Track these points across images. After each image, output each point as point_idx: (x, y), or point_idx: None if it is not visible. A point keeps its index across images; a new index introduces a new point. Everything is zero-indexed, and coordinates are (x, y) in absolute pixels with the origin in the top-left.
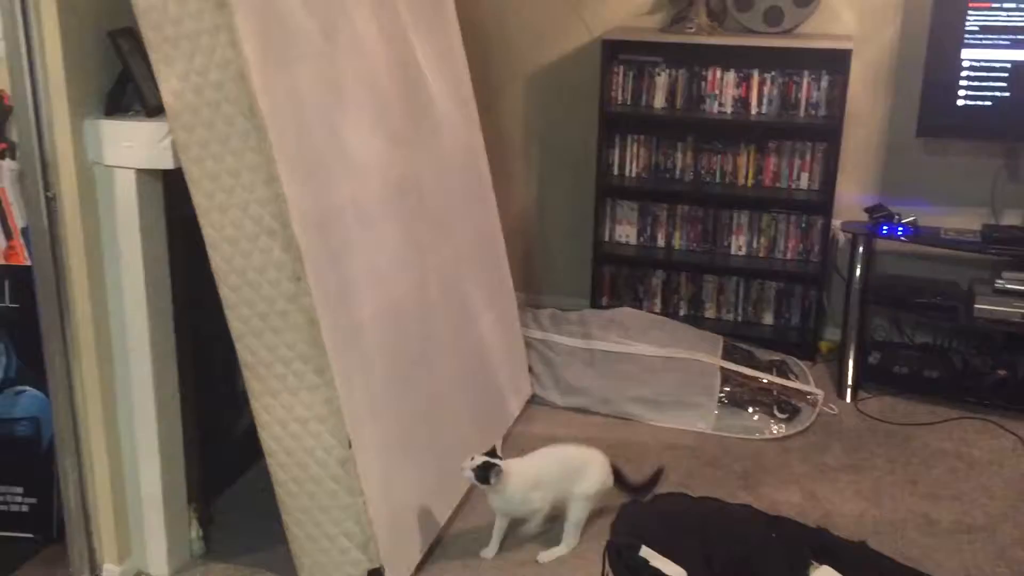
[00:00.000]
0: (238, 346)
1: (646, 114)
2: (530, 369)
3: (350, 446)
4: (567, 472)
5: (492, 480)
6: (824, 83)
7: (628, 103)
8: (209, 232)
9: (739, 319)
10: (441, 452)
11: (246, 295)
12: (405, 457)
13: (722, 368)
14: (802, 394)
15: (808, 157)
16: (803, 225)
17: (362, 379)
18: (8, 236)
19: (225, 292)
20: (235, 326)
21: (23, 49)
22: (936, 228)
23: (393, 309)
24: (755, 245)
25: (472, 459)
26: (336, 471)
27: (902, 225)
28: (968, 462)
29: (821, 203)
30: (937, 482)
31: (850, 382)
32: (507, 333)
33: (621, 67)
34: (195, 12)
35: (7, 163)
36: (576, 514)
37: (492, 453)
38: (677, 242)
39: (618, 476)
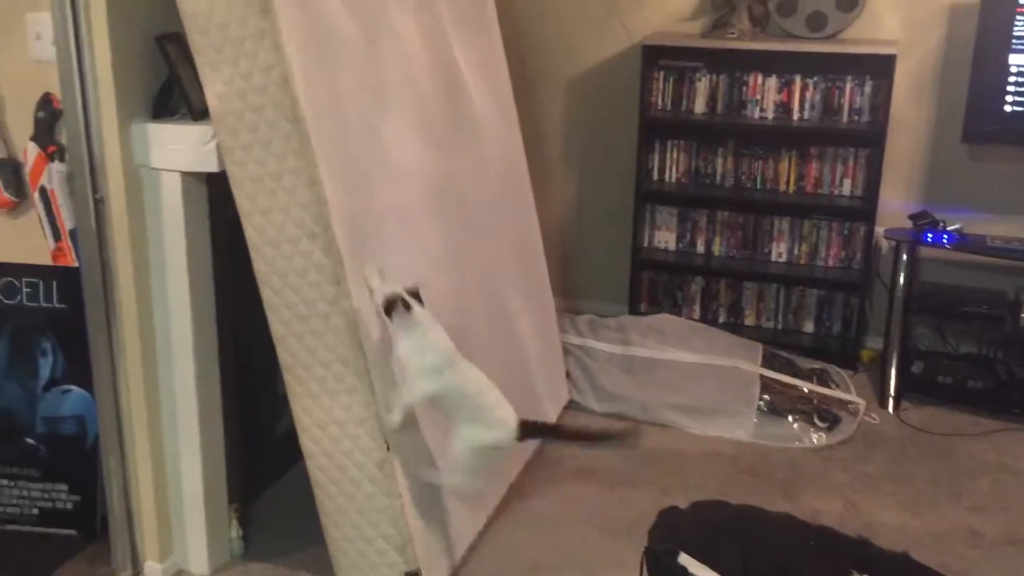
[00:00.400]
0: (279, 348)
1: (686, 119)
2: (568, 375)
3: (388, 448)
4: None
5: (392, 316)
6: (868, 88)
7: (668, 108)
8: (251, 235)
9: (779, 327)
10: None
11: (287, 297)
12: (441, 460)
13: (762, 376)
14: (843, 403)
15: (851, 163)
16: (845, 232)
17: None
18: (57, 237)
19: (267, 294)
20: (276, 328)
21: (73, 54)
22: (982, 236)
23: (432, 312)
24: (796, 252)
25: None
26: (374, 473)
27: (947, 232)
28: (1013, 473)
29: (864, 210)
30: (981, 494)
31: (892, 391)
32: (545, 338)
33: (661, 72)
34: (240, 17)
35: (56, 165)
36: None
37: (415, 294)
38: (717, 248)
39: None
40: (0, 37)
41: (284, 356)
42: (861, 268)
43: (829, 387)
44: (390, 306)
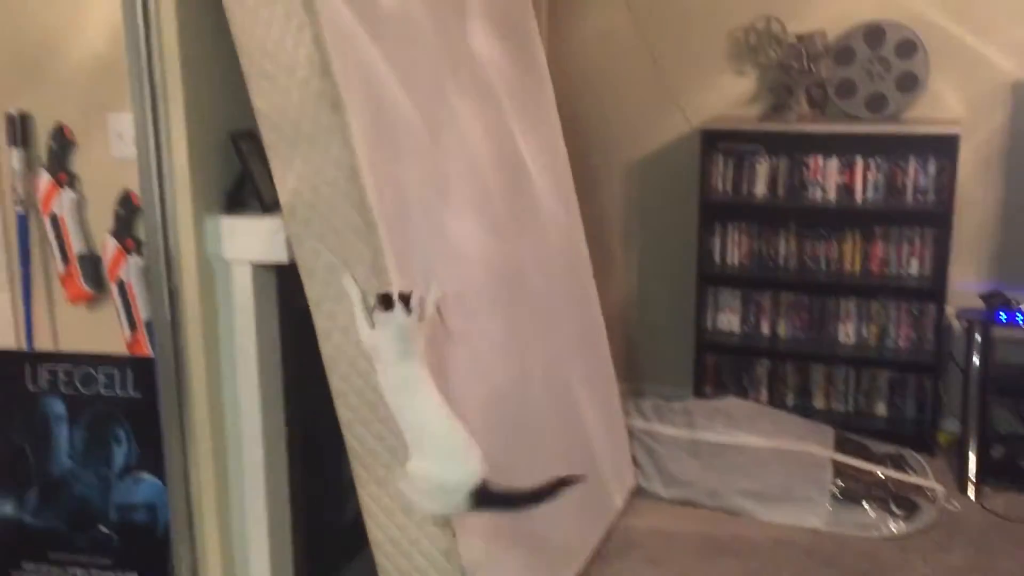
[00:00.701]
0: (346, 434)
1: (747, 202)
2: (633, 460)
3: (454, 536)
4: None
5: (374, 311)
6: (932, 168)
7: (728, 191)
8: (322, 322)
9: (850, 410)
10: (544, 545)
11: (355, 384)
12: (509, 549)
13: (834, 461)
14: (921, 489)
15: (917, 243)
16: (915, 312)
17: None
18: (133, 328)
19: (335, 381)
20: (343, 414)
21: (152, 152)
22: None
23: (496, 399)
24: (864, 333)
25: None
26: (440, 562)
27: (1021, 312)
28: None
29: (933, 290)
30: None
31: (972, 477)
32: (610, 423)
33: (720, 156)
34: (312, 114)
35: (134, 259)
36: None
37: (405, 298)
38: (782, 330)
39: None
40: (84, 138)
41: (351, 442)
42: (933, 349)
43: (906, 472)
44: (385, 302)
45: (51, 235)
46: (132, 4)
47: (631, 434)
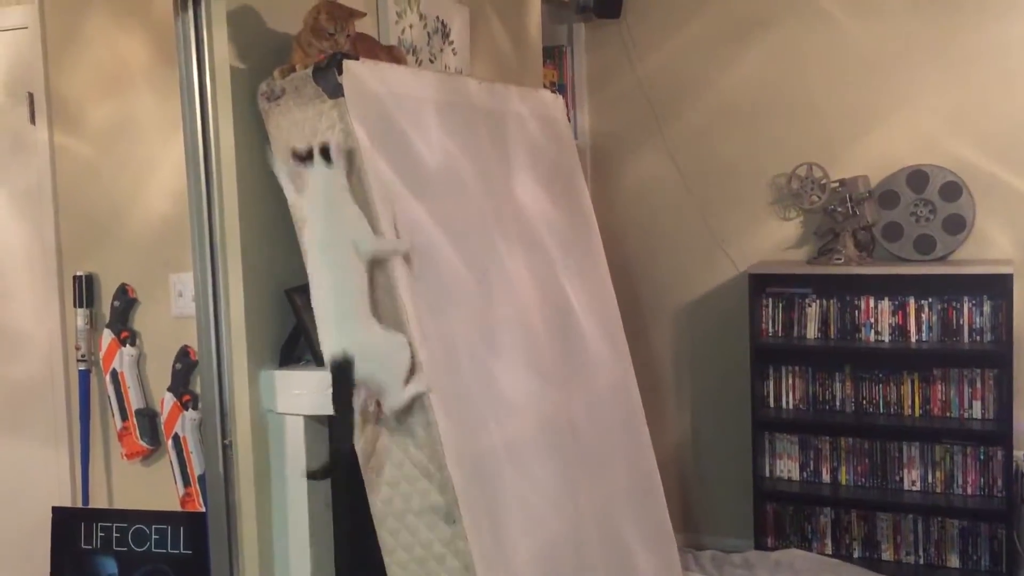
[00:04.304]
0: None
1: (799, 345)
2: None
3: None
4: None
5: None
6: (987, 308)
7: (780, 335)
8: (369, 476)
9: (921, 561)
10: None
11: (404, 539)
12: None
13: None
14: None
15: (979, 384)
16: (981, 457)
17: None
18: (187, 483)
19: (383, 535)
20: (393, 571)
21: (210, 310)
22: None
23: (549, 551)
24: (930, 479)
25: None
26: None
27: None
28: None
29: (999, 433)
30: None
31: None
32: None
33: (770, 299)
34: None
35: (190, 413)
36: None
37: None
38: (843, 477)
39: None
40: (147, 298)
41: None
42: (1004, 496)
43: None
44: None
45: (111, 391)
46: (197, 173)
47: None
